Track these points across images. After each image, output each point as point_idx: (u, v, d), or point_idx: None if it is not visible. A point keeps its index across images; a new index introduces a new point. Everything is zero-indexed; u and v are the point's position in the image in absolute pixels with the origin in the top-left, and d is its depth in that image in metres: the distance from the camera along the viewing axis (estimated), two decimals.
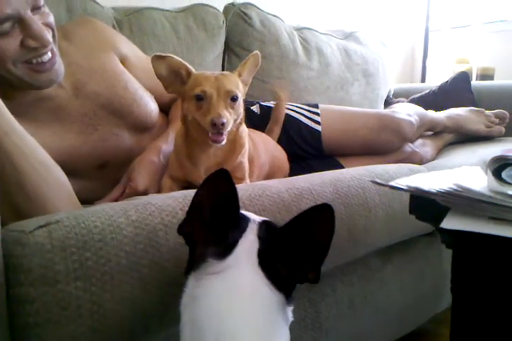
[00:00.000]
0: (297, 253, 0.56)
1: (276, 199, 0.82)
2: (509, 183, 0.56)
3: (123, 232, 0.63)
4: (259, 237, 0.57)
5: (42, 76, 0.93)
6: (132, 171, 1.05)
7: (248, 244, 0.56)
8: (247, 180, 1.03)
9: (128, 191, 1.02)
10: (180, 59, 0.96)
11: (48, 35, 0.89)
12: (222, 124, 0.87)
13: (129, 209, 0.67)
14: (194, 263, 0.56)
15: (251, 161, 1.08)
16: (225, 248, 0.56)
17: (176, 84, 0.96)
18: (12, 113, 0.83)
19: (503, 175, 0.57)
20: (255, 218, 0.61)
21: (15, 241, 0.58)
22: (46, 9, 0.92)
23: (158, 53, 0.94)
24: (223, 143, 0.92)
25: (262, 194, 0.81)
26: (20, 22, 0.85)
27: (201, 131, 0.93)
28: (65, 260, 0.58)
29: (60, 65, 0.96)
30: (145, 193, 1.01)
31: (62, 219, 0.61)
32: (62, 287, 0.58)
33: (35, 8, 0.88)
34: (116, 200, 1.00)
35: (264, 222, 0.61)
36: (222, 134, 0.90)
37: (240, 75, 0.98)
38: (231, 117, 0.91)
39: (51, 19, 0.92)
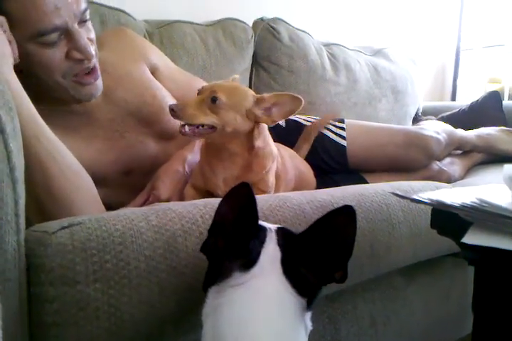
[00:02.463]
0: (321, 255, 0.56)
1: (297, 210, 0.82)
2: None
3: (143, 236, 0.64)
4: (280, 245, 0.58)
5: (85, 89, 0.96)
6: (156, 179, 1.06)
7: (270, 253, 0.57)
8: (271, 193, 1.03)
9: (151, 199, 1.03)
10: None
11: (92, 49, 0.93)
12: (172, 109, 0.88)
13: (149, 214, 0.68)
14: (217, 277, 0.57)
15: (278, 176, 1.06)
16: (248, 260, 0.56)
17: None
18: (42, 117, 0.86)
19: None
20: (270, 226, 0.62)
21: (38, 242, 0.59)
22: (90, 25, 0.95)
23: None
24: (189, 134, 0.91)
25: (283, 205, 0.81)
26: (66, 34, 0.88)
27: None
28: (85, 261, 0.59)
29: (100, 81, 0.98)
30: (168, 202, 1.02)
31: (84, 221, 0.62)
32: (82, 288, 0.59)
33: (82, 22, 0.91)
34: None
35: (279, 229, 0.61)
36: (183, 126, 0.91)
37: (262, 99, 0.94)
38: (202, 115, 0.90)
39: (93, 35, 0.96)
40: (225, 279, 0.56)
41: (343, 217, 0.55)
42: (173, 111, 0.89)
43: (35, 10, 0.83)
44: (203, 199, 0.79)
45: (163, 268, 0.64)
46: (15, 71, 0.90)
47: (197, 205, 0.73)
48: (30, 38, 0.85)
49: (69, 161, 0.84)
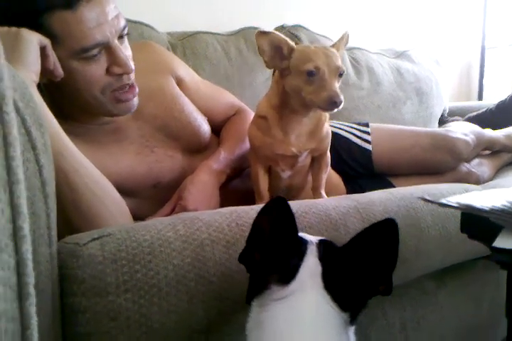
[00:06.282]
0: (364, 268, 0.56)
1: (322, 216, 0.82)
2: None
3: (171, 246, 0.65)
4: (320, 259, 0.58)
5: (123, 105, 0.97)
6: (183, 190, 1.07)
7: (310, 267, 0.57)
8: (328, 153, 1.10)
9: (177, 210, 1.03)
10: (281, 35, 0.95)
11: (132, 63, 0.94)
12: (341, 102, 0.89)
13: (177, 223, 0.69)
14: (257, 290, 0.57)
15: None
16: (287, 273, 0.56)
17: (276, 59, 0.95)
18: (73, 134, 0.87)
19: None
20: (312, 239, 0.61)
21: (70, 253, 0.61)
22: (127, 43, 0.96)
23: (262, 30, 0.95)
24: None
25: (309, 211, 0.81)
26: (107, 49, 0.89)
27: (303, 103, 0.96)
28: (116, 272, 0.60)
29: (137, 98, 1.00)
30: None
31: (114, 233, 0.64)
32: (113, 298, 0.60)
33: (121, 37, 0.93)
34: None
35: (321, 241, 0.61)
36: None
37: (337, 50, 0.98)
38: None
39: (130, 52, 0.97)
40: (265, 292, 0.56)
41: (385, 229, 0.55)
42: (341, 103, 0.90)
43: (78, 27, 0.84)
44: (228, 208, 0.80)
45: (191, 277, 0.65)
46: (49, 87, 0.92)
47: (223, 214, 0.74)
48: (72, 55, 0.86)
49: (95, 176, 0.85)
